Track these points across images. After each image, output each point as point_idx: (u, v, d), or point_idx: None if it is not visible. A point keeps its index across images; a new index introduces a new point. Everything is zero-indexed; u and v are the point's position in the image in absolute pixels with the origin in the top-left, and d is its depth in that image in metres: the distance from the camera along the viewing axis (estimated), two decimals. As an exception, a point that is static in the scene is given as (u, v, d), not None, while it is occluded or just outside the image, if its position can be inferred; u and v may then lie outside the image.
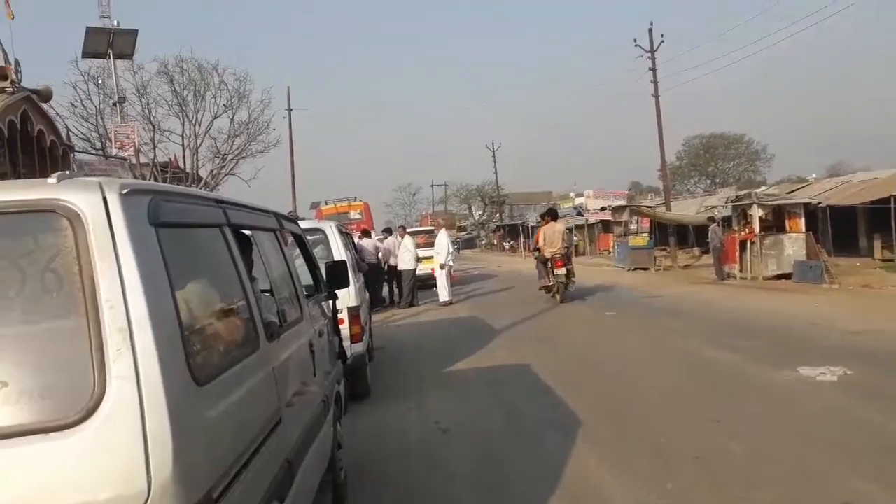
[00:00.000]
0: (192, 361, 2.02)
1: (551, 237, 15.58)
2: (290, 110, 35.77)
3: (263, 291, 3.47)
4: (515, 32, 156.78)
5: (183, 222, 2.40)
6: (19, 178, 16.17)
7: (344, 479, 4.49)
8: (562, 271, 15.23)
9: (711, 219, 22.17)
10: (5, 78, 16.42)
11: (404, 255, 16.88)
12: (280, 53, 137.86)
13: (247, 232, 3.36)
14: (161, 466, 1.75)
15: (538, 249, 16.08)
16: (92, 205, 1.94)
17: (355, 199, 27.12)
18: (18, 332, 1.89)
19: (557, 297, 15.44)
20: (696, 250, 29.79)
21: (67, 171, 2.12)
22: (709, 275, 20.56)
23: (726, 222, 21.86)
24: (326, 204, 26.69)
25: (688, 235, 31.97)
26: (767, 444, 5.11)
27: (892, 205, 18.87)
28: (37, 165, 17.42)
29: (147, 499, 1.73)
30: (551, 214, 16.63)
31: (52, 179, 2.02)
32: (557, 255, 15.25)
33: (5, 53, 16.83)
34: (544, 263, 15.64)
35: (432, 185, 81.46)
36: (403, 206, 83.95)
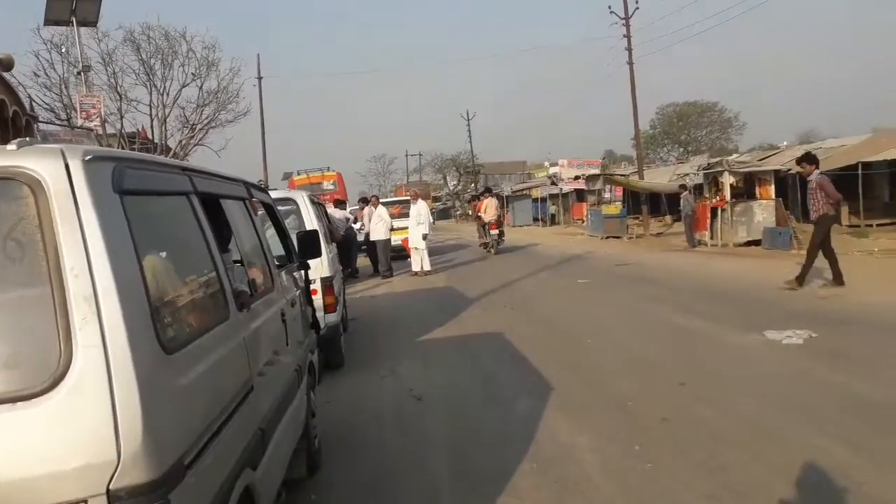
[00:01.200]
0: (161, 330, 2.01)
1: (487, 207, 21.41)
2: (259, 78, 35.18)
3: (234, 262, 3.46)
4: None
5: (148, 189, 2.37)
6: (-19, 149, 15.81)
7: (318, 446, 4.53)
8: (495, 232, 20.95)
9: (683, 186, 22.36)
10: (-37, 46, 15.92)
11: (378, 226, 16.82)
12: (250, 20, 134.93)
13: (215, 200, 3.33)
14: (130, 435, 1.76)
15: (479, 217, 22.22)
16: (54, 172, 1.92)
17: (328, 169, 26.77)
18: (-17, 301, 1.87)
19: (492, 251, 20.80)
20: (668, 218, 30.13)
21: (27, 139, 2.08)
22: (680, 242, 20.83)
23: (698, 190, 22.12)
24: (299, 174, 26.33)
25: (660, 203, 32.29)
26: (732, 406, 5.25)
27: (860, 171, 19.20)
28: (-1, 136, 17.00)
29: (117, 467, 1.74)
30: (488, 191, 24.77)
31: (11, 146, 1.98)
32: (492, 220, 21.09)
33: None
34: (483, 227, 21.80)
35: (407, 156, 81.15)
36: (378, 176, 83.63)
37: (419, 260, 16.87)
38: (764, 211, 18.67)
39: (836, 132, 36.06)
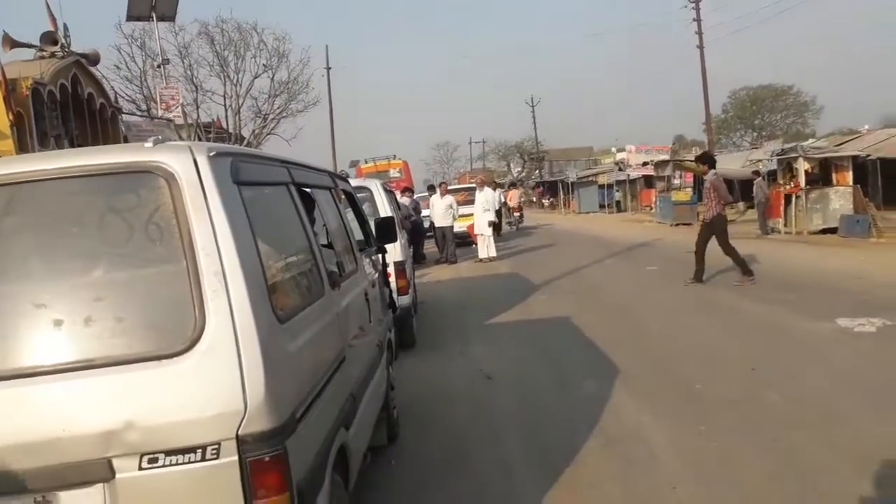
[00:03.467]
0: (274, 301, 2.31)
1: (512, 196, 29.69)
2: (328, 69, 35.96)
3: (323, 245, 3.77)
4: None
5: (258, 181, 2.68)
6: (71, 140, 16.80)
7: (396, 417, 4.86)
8: (517, 214, 29.14)
9: (756, 173, 21.81)
10: (55, 43, 16.90)
11: (444, 213, 17.09)
12: (319, 11, 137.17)
13: (307, 189, 3.64)
14: (254, 389, 2.06)
15: (505, 203, 27.51)
16: (184, 165, 2.23)
17: (395, 157, 27.23)
18: (130, 275, 2.21)
19: (514, 227, 27.99)
20: (740, 205, 29.35)
21: (160, 137, 2.40)
22: (753, 229, 20.36)
23: (771, 176, 21.52)
24: (366, 162, 26.88)
25: (733, 190, 31.42)
26: (802, 391, 5.30)
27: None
28: (87, 128, 18.00)
29: (244, 416, 2.04)
30: (513, 185, 35.35)
31: (148, 144, 2.31)
32: (516, 206, 29.39)
33: (54, 19, 17.31)
34: (509, 210, 28.66)
35: (470, 143, 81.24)
36: (441, 163, 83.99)
37: (485, 246, 17.09)
38: (841, 198, 18.08)
39: (922, 114, 34.26)
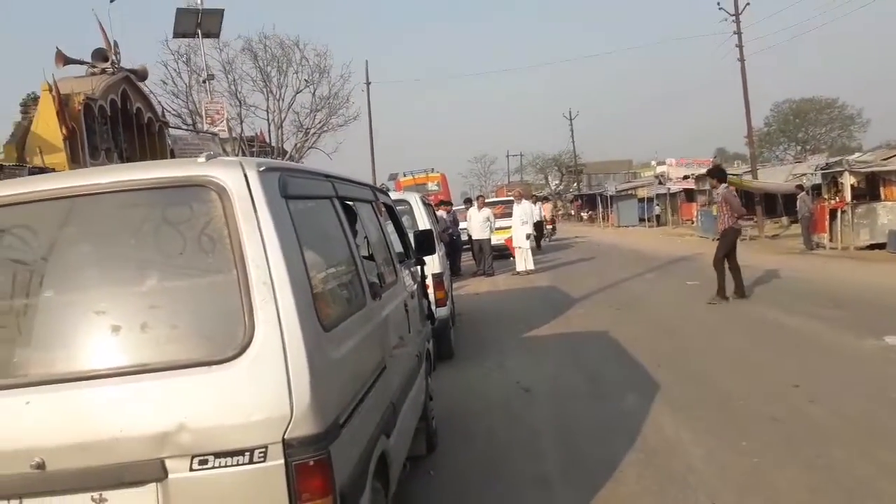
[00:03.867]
0: (319, 311, 2.39)
1: (545, 209, 29.19)
2: (368, 84, 36.31)
3: (365, 257, 3.86)
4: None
5: (304, 195, 2.78)
6: (121, 153, 17.35)
7: (435, 427, 4.91)
8: (550, 227, 30.08)
9: (800, 187, 21.39)
10: (106, 59, 17.51)
11: (482, 226, 17.15)
12: (358, 26, 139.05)
13: (350, 203, 3.74)
14: (301, 395, 2.13)
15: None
16: (235, 180, 2.32)
17: (433, 170, 27.40)
18: (184, 284, 2.32)
19: (548, 239, 28.04)
20: (784, 219, 28.80)
21: (212, 152, 2.51)
22: (797, 245, 19.98)
23: (816, 190, 21.09)
24: (405, 175, 27.09)
25: (776, 204, 30.87)
26: (846, 408, 5.19)
27: None
28: (136, 141, 18.57)
29: (290, 421, 2.11)
30: (545, 199, 36.07)
31: (201, 159, 2.42)
32: (549, 218, 30.29)
33: (106, 36, 17.92)
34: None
35: (508, 156, 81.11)
36: (479, 176, 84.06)
37: (522, 259, 17.08)
38: (889, 213, 17.62)
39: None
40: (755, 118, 35.02)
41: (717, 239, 10.87)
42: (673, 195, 40.61)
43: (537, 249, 22.57)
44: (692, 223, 33.00)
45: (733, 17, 29.28)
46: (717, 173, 11.44)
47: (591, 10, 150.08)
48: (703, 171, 35.27)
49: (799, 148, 60.76)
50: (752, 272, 14.37)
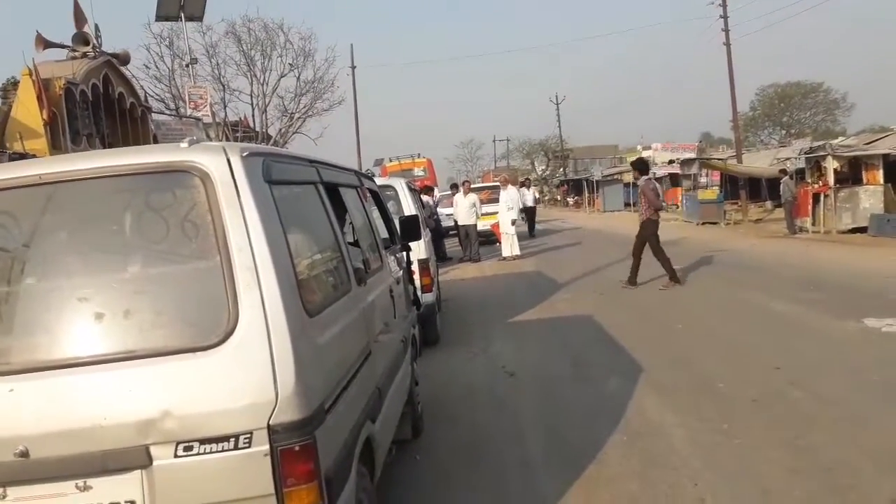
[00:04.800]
0: (303, 296, 2.39)
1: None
2: (353, 68, 36.00)
3: (350, 243, 3.85)
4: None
5: (288, 180, 2.77)
6: (102, 138, 17.16)
7: (420, 412, 4.94)
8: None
9: (784, 171, 21.55)
10: (87, 43, 17.26)
11: (468, 211, 17.15)
12: (341, 8, 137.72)
13: (335, 188, 3.72)
14: (285, 380, 2.14)
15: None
16: (219, 165, 2.31)
17: (419, 155, 27.35)
18: (167, 271, 2.31)
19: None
20: (768, 204, 29.01)
21: (195, 137, 2.50)
22: (780, 229, 20.15)
23: (800, 175, 21.26)
24: (391, 161, 27.04)
25: (760, 188, 31.08)
26: (827, 390, 5.28)
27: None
28: (118, 126, 18.37)
29: (275, 406, 2.12)
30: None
31: (183, 144, 2.40)
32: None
33: (85, 19, 17.66)
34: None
35: (494, 141, 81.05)
36: (465, 161, 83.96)
37: (509, 245, 17.11)
38: (871, 197, 17.80)
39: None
40: (741, 103, 35.18)
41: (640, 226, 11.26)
42: (658, 179, 40.71)
43: (530, 236, 22.69)
44: (677, 207, 33.16)
45: (720, 1, 29.32)
46: (639, 165, 11.93)
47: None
48: (689, 155, 35.48)
49: (783, 132, 61.06)
50: (734, 256, 14.53)
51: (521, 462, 4.41)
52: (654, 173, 40.33)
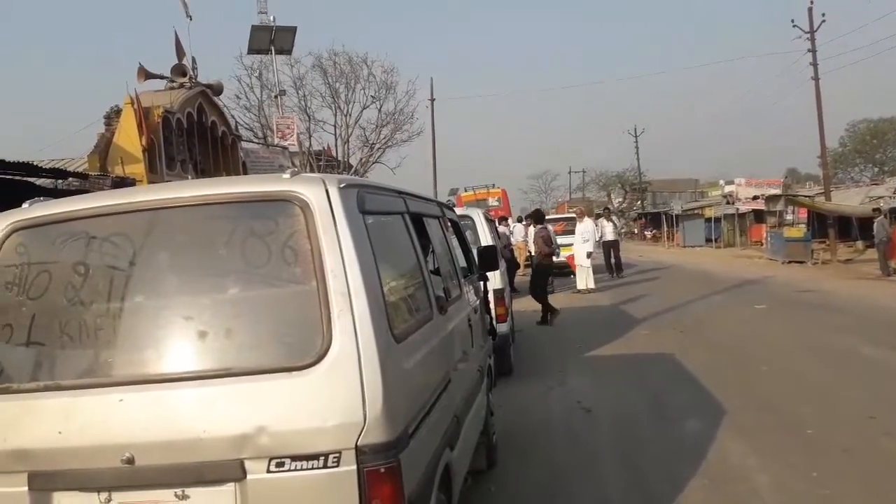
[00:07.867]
0: (392, 322, 2.47)
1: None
2: (432, 100, 36.63)
3: (432, 272, 3.94)
4: (661, 11, 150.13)
5: (380, 210, 2.89)
6: (195, 164, 18.05)
7: (495, 443, 4.93)
8: None
9: (877, 210, 20.57)
10: (184, 74, 18.32)
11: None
12: (422, 41, 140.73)
13: (419, 218, 3.82)
14: (374, 403, 2.21)
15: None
16: (318, 196, 2.43)
17: (494, 185, 27.43)
18: (268, 293, 2.43)
19: None
20: (859, 244, 27.68)
21: (296, 168, 2.64)
22: (873, 270, 19.18)
23: (894, 214, 20.25)
24: (465, 190, 27.21)
25: (850, 228, 29.73)
26: (926, 443, 4.98)
27: None
28: (210, 153, 19.31)
29: (363, 428, 2.19)
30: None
31: (286, 175, 2.54)
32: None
33: (183, 52, 18.74)
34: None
35: (570, 172, 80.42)
36: (539, 193, 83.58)
37: (584, 277, 16.91)
38: (974, 238, 16.77)
39: None
40: (829, 138, 33.87)
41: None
42: (741, 216, 39.55)
43: (616, 276, 20.41)
44: (761, 245, 32.04)
45: (808, 35, 28.46)
46: (535, 216, 13.87)
47: (660, 26, 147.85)
48: (774, 191, 34.33)
49: (876, 169, 58.23)
50: (821, 296, 13.91)
51: (597, 501, 4.34)
52: (738, 209, 39.23)
